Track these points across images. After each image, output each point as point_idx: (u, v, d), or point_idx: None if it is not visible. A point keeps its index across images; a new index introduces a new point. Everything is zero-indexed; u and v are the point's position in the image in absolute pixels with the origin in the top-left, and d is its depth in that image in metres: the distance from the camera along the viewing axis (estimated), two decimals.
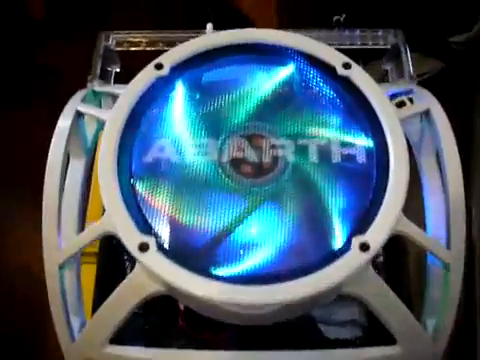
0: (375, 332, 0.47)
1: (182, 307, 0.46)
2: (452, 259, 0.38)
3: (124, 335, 0.40)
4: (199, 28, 0.52)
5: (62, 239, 0.41)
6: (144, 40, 0.53)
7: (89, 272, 0.52)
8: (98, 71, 0.51)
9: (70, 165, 0.46)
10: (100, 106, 0.51)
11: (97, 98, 0.50)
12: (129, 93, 0.41)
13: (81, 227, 0.45)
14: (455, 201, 0.40)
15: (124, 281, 0.38)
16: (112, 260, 0.50)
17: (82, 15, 0.78)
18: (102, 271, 0.51)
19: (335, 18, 0.71)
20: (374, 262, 0.48)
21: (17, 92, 0.78)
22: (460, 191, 0.40)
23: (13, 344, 0.63)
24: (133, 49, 0.53)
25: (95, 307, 0.47)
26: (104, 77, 0.52)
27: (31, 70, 0.80)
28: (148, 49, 0.53)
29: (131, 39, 0.53)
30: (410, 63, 0.50)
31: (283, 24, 0.75)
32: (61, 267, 0.39)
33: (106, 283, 0.49)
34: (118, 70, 0.55)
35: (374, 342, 0.41)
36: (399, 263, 0.48)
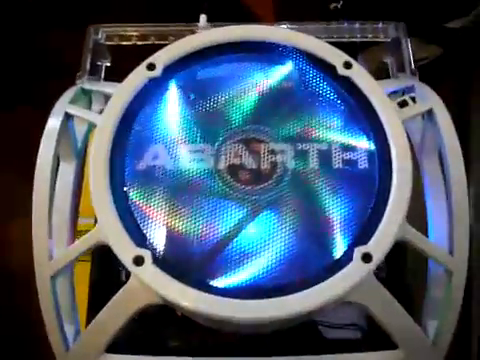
0: (375, 334, 0.46)
1: (179, 314, 0.45)
2: (455, 266, 0.37)
3: (118, 340, 0.40)
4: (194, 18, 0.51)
5: (54, 246, 0.39)
6: (135, 34, 0.51)
7: (83, 271, 0.51)
8: (88, 67, 0.49)
9: (60, 168, 0.44)
10: (90, 104, 0.49)
11: (87, 95, 0.48)
12: (120, 96, 0.39)
13: (73, 233, 0.44)
14: (459, 205, 0.39)
15: (120, 291, 0.37)
16: (106, 264, 0.49)
17: (81, 5, 0.75)
18: (96, 275, 0.50)
19: (332, 5, 0.69)
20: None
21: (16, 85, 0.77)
22: (464, 194, 0.39)
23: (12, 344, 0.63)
24: (124, 43, 0.51)
25: (90, 313, 0.47)
26: (94, 72, 0.50)
27: (30, 59, 0.78)
28: (139, 43, 0.51)
29: (122, 33, 0.51)
30: (411, 57, 0.48)
31: (279, 10, 0.72)
32: (53, 278, 0.38)
33: (100, 288, 0.48)
34: (109, 64, 0.53)
35: (374, 344, 0.40)
36: (398, 263, 0.47)
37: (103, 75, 0.51)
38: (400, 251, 0.46)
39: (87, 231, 0.44)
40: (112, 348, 0.39)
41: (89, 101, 0.49)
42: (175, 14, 0.54)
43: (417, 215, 0.41)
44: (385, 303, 0.37)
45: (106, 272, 0.49)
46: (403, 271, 0.48)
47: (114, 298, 0.37)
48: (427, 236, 0.40)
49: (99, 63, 0.52)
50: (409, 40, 0.49)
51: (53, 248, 0.39)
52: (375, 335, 0.46)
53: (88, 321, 0.44)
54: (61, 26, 0.74)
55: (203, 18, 0.51)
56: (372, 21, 0.51)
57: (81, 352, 0.38)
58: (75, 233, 0.51)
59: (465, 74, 0.88)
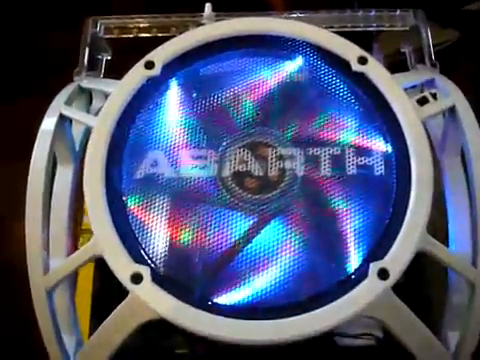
0: (390, 342, 0.44)
1: None
2: (479, 279, 0.34)
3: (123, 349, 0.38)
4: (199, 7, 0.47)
5: (50, 256, 0.38)
6: (136, 26, 0.48)
7: (87, 272, 0.49)
8: (85, 62, 0.46)
9: (57, 172, 0.42)
10: (90, 101, 0.46)
11: (86, 93, 0.45)
12: (116, 98, 0.36)
13: (72, 241, 0.41)
14: None
15: (120, 306, 0.35)
16: (109, 271, 0.46)
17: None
18: (99, 283, 0.47)
19: None
20: None
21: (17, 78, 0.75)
22: None
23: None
24: (124, 36, 0.48)
25: (92, 322, 0.45)
26: (94, 67, 0.47)
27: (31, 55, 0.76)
28: (140, 36, 0.48)
29: (121, 25, 0.48)
30: (432, 47, 0.45)
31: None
32: (49, 293, 0.36)
33: (103, 296, 0.46)
34: (109, 58, 0.50)
35: (389, 351, 0.38)
36: (416, 269, 0.45)
37: (103, 70, 0.48)
38: (418, 258, 0.44)
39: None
40: (117, 356, 0.37)
41: (89, 98, 0.46)
42: (179, 3, 0.50)
43: (437, 220, 0.38)
44: (403, 318, 0.34)
45: (109, 279, 0.47)
46: (422, 277, 0.45)
47: (115, 312, 0.35)
48: (447, 243, 0.37)
49: (99, 57, 0.49)
50: (428, 29, 0.45)
51: (49, 259, 0.37)
52: (391, 343, 0.44)
53: (91, 330, 0.43)
54: (62, 25, 0.72)
55: (208, 7, 0.48)
56: (389, 8, 0.47)
57: None
58: (79, 233, 0.49)
59: None
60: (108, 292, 0.44)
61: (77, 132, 0.43)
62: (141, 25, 0.48)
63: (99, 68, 0.48)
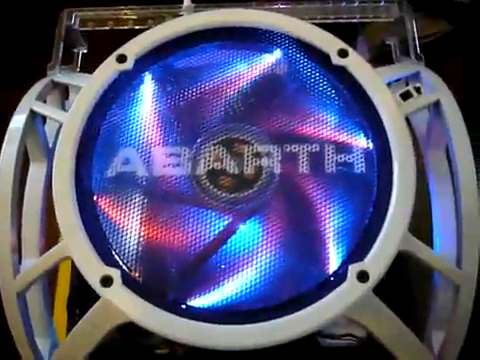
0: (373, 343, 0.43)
1: None
2: (463, 280, 0.33)
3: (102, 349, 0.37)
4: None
5: (24, 255, 0.37)
6: (111, 18, 0.46)
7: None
8: (60, 56, 0.44)
9: (30, 170, 0.41)
10: (66, 95, 0.45)
11: (61, 87, 0.44)
12: (87, 93, 0.35)
13: (46, 240, 0.40)
14: (467, 211, 0.34)
15: (91, 310, 0.34)
16: None
17: None
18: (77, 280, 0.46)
19: None
20: None
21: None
22: (473, 200, 0.34)
23: None
24: (99, 29, 0.46)
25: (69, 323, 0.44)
26: (69, 61, 0.46)
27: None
28: (116, 28, 0.46)
29: (97, 17, 0.46)
30: (417, 39, 0.43)
31: None
32: (19, 295, 0.34)
33: (80, 296, 0.45)
34: (85, 51, 0.48)
35: (371, 352, 0.37)
36: (401, 271, 0.43)
37: (79, 64, 0.47)
38: (401, 258, 0.43)
39: None
40: (95, 357, 0.36)
41: (64, 93, 0.45)
42: None
43: (422, 219, 0.37)
44: (384, 321, 0.33)
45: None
46: (405, 277, 0.44)
47: (87, 315, 0.34)
48: (431, 243, 0.36)
49: (75, 50, 0.47)
50: (414, 20, 0.44)
51: (22, 260, 0.37)
52: (373, 344, 0.43)
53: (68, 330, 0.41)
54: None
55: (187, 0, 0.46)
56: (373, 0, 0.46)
57: None
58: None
59: (475, 51, 0.83)
60: (85, 292, 0.43)
61: (51, 129, 0.41)
62: (117, 17, 0.47)
63: (75, 62, 0.47)
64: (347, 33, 0.42)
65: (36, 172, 0.40)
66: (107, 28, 0.46)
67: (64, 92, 0.45)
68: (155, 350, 0.46)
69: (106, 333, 0.34)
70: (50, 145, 0.41)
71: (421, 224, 0.37)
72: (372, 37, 0.60)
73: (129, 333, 0.44)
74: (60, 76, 0.43)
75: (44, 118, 0.41)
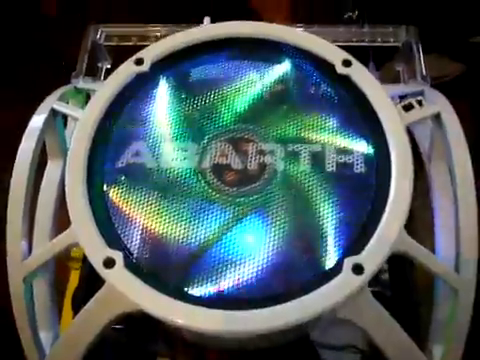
0: (376, 358, 0.43)
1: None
2: (461, 284, 0.34)
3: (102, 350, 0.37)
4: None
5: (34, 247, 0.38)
6: (135, 34, 0.50)
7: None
8: (84, 67, 0.48)
9: (47, 167, 0.43)
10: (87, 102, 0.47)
11: (82, 95, 0.46)
12: (104, 90, 0.37)
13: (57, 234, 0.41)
14: (466, 218, 0.35)
15: (90, 301, 0.35)
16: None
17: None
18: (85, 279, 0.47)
19: (347, 15, 0.66)
20: (377, 279, 0.43)
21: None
22: (472, 206, 0.35)
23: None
24: (123, 44, 0.49)
25: None
26: (93, 74, 0.49)
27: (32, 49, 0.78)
28: (139, 44, 0.49)
29: (121, 33, 0.50)
30: (423, 62, 0.45)
31: (293, 16, 0.70)
32: (26, 280, 0.36)
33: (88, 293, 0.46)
34: (109, 66, 0.51)
35: None
36: (405, 278, 0.43)
37: (103, 77, 0.50)
38: (407, 267, 0.43)
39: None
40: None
41: (85, 100, 0.47)
42: (184, 16, 0.52)
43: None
44: (384, 325, 0.33)
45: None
46: (411, 289, 0.44)
47: (87, 305, 0.35)
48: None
49: (99, 64, 0.50)
50: (420, 44, 0.46)
51: (28, 250, 0.37)
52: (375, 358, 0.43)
53: None
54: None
55: (207, 20, 0.49)
56: (382, 24, 0.48)
57: None
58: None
59: None
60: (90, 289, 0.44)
61: (71, 129, 0.43)
62: (141, 34, 0.50)
63: (98, 75, 0.49)
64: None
65: (52, 169, 0.42)
66: (131, 44, 0.50)
67: (86, 99, 0.47)
68: (157, 358, 0.46)
69: (106, 324, 0.34)
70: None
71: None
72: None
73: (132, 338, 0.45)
74: (83, 83, 0.45)
75: (65, 121, 0.44)
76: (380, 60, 0.50)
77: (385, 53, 0.49)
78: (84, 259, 0.47)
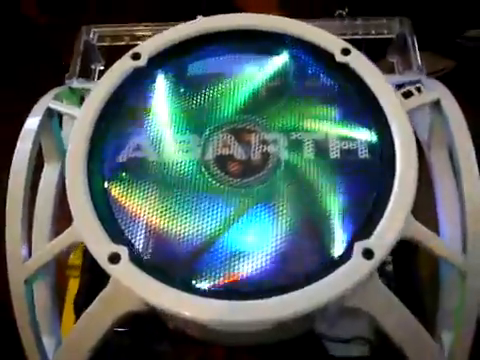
0: (385, 350, 0.42)
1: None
2: (469, 266, 0.33)
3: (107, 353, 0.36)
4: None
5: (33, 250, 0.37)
6: (128, 34, 0.49)
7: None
8: (77, 68, 0.47)
9: (44, 169, 0.42)
10: (81, 103, 0.47)
11: (76, 96, 0.46)
12: (102, 86, 0.36)
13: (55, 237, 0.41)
14: (471, 201, 0.35)
15: (97, 298, 0.34)
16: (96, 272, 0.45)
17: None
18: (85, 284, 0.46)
19: (337, 12, 0.66)
20: (382, 271, 0.43)
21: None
22: (477, 189, 0.35)
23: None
24: (116, 44, 0.49)
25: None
26: (87, 75, 0.48)
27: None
28: (132, 44, 0.49)
29: (114, 33, 0.49)
30: (418, 53, 0.45)
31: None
32: (28, 282, 0.35)
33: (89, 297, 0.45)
34: (102, 68, 0.51)
35: None
36: (410, 270, 0.43)
37: (96, 78, 0.49)
38: (412, 256, 0.43)
39: None
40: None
41: (79, 102, 0.46)
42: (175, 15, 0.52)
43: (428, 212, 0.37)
44: (394, 311, 0.33)
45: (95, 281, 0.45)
46: (416, 280, 0.44)
47: (91, 306, 0.34)
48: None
49: (93, 66, 0.50)
50: (414, 35, 0.46)
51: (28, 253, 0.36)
52: (385, 351, 0.42)
53: None
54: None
55: (199, 19, 0.49)
56: (375, 17, 0.48)
57: None
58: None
59: (475, 90, 0.85)
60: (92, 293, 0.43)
61: (67, 128, 0.42)
62: (133, 33, 0.49)
63: (91, 77, 0.49)
64: None
65: (49, 170, 0.41)
66: (123, 43, 0.49)
67: (80, 100, 0.47)
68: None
69: (109, 326, 0.34)
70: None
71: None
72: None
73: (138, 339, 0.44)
74: (77, 83, 0.45)
75: (60, 121, 0.43)
76: (372, 58, 0.50)
77: (377, 50, 0.49)
78: (83, 267, 0.46)
